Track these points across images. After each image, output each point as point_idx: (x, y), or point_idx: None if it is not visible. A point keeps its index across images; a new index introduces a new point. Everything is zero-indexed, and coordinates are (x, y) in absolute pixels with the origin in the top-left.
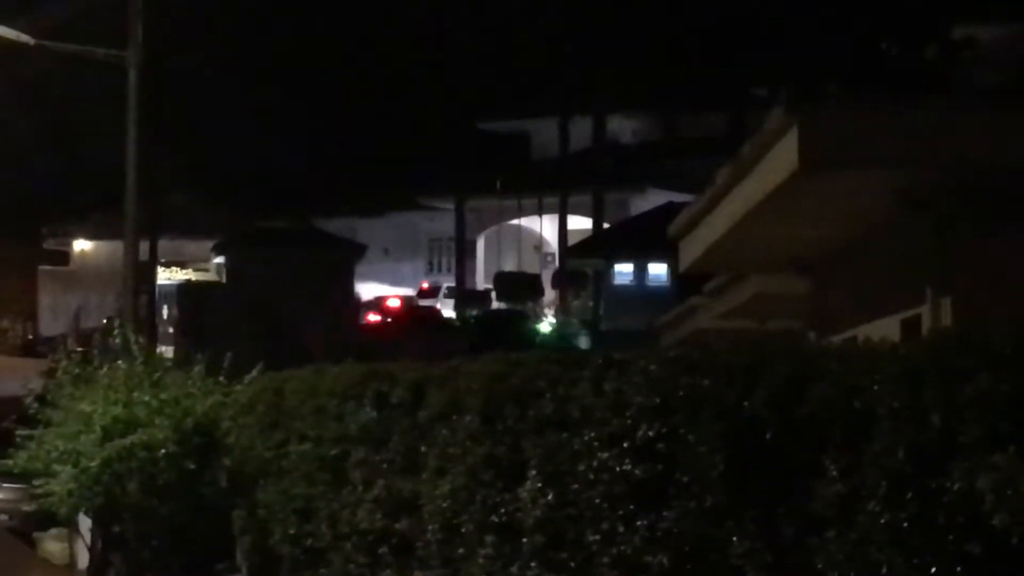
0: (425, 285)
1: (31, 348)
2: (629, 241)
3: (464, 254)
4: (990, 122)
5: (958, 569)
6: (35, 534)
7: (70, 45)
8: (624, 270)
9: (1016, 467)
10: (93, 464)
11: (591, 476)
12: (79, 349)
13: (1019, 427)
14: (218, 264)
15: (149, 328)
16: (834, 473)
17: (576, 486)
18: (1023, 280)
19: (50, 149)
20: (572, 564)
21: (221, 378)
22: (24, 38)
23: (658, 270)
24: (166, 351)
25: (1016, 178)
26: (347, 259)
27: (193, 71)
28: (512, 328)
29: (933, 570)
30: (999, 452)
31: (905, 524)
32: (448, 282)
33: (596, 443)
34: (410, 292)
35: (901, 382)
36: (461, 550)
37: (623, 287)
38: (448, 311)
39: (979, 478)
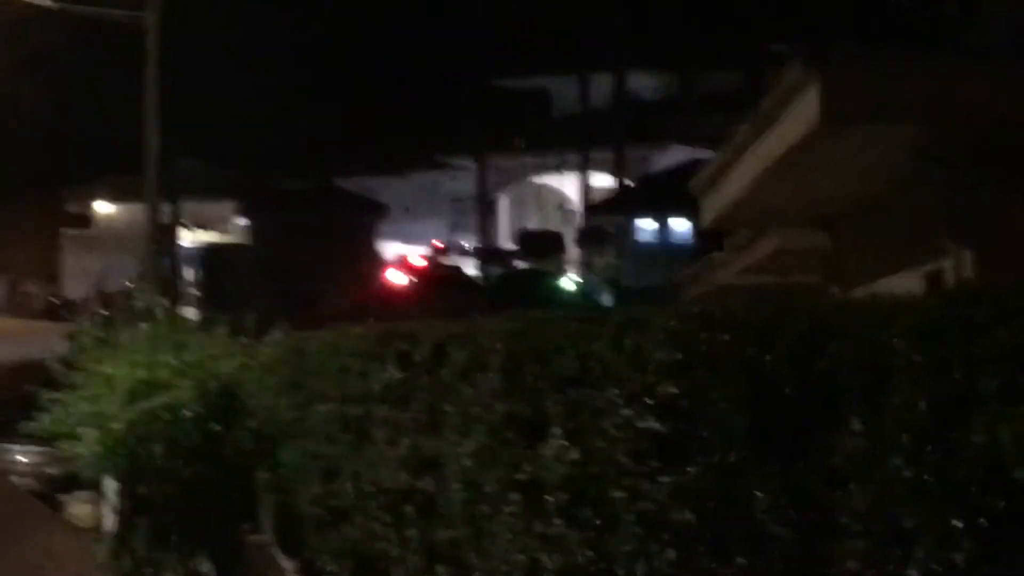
0: (439, 244)
1: (54, 312)
2: (651, 198)
3: (486, 212)
4: (1007, 77)
5: (980, 522)
6: (61, 497)
7: (89, 7)
8: (646, 227)
9: None
10: (117, 426)
11: (614, 433)
12: (102, 312)
13: None
14: (241, 226)
15: (172, 290)
16: (855, 428)
17: (599, 443)
18: None
19: (72, 113)
20: (597, 521)
21: (244, 339)
22: (43, 1)
23: (680, 226)
24: (189, 313)
25: None
26: (369, 219)
27: (213, 32)
28: (535, 286)
29: (955, 523)
30: (1020, 404)
31: (926, 478)
32: (468, 241)
33: (618, 400)
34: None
35: (921, 336)
36: (485, 508)
37: (645, 244)
38: (470, 270)
39: (1000, 431)
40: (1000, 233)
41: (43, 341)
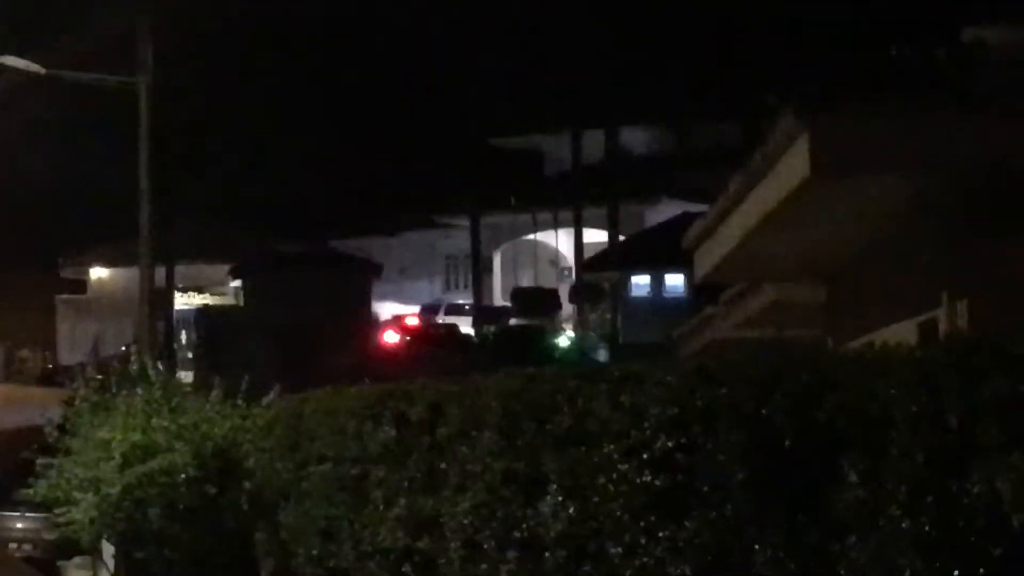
0: (426, 304)
1: (50, 377)
2: (645, 253)
3: (480, 270)
4: (1001, 127)
5: (980, 571)
6: (59, 563)
7: (81, 73)
8: (641, 282)
9: None
10: (114, 491)
11: (611, 489)
12: (98, 377)
13: None
14: (235, 288)
15: (167, 354)
16: (854, 479)
17: (596, 499)
18: None
19: (65, 178)
20: None
21: (240, 401)
22: (35, 68)
23: (675, 281)
24: (185, 376)
25: None
26: (364, 279)
27: (205, 94)
28: (531, 343)
29: (956, 573)
30: (1017, 452)
31: (926, 528)
32: (462, 299)
33: (615, 456)
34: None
35: (918, 386)
36: (484, 566)
37: (640, 299)
38: (465, 328)
39: (998, 479)
40: (995, 283)
41: (39, 407)
